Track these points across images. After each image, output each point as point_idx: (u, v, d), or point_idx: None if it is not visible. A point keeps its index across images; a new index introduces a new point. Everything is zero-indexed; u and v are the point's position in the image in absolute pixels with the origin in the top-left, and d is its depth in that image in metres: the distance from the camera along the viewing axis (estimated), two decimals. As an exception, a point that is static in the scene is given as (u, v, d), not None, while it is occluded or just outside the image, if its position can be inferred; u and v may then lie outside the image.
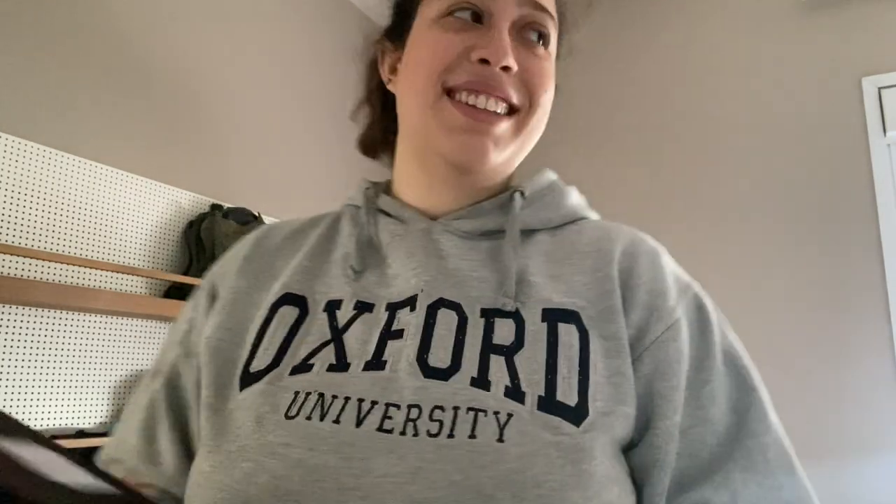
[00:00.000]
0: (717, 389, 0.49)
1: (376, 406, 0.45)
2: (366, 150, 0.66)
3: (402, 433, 0.43)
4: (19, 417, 1.28)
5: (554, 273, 0.53)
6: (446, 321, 0.50)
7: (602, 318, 0.50)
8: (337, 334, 0.51)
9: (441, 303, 0.51)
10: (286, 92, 2.11)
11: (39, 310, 1.32)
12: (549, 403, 0.45)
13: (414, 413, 0.45)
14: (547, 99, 0.56)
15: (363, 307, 0.53)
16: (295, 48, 2.17)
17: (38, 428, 1.31)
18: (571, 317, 0.50)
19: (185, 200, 1.68)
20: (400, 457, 0.42)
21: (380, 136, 0.65)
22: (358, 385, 0.47)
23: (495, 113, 0.52)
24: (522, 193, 0.57)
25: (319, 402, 0.47)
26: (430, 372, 0.47)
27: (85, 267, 1.32)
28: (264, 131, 2.00)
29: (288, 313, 0.54)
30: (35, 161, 1.35)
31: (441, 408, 0.45)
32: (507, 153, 0.55)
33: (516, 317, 0.50)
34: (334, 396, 0.47)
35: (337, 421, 0.45)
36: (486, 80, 0.52)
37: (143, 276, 1.49)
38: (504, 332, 0.49)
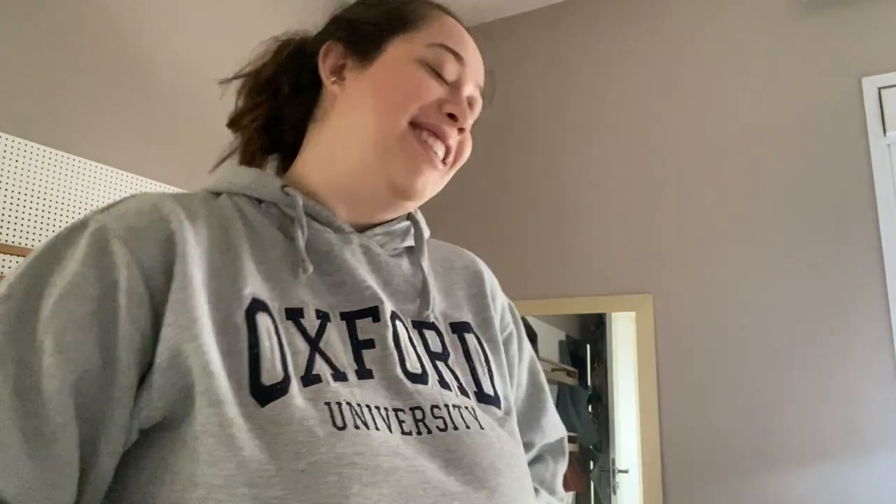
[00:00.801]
0: (524, 363, 0.71)
1: (393, 411, 0.50)
2: (239, 126, 0.67)
3: (419, 433, 0.50)
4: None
5: (441, 286, 0.64)
6: (403, 331, 0.56)
7: (483, 326, 0.64)
8: (314, 344, 0.51)
9: (394, 315, 0.56)
10: (286, 92, 2.11)
11: (39, 310, 1.33)
12: (482, 396, 0.58)
13: (419, 414, 0.51)
14: (468, 153, 0.64)
15: (323, 316, 0.53)
16: (295, 48, 2.17)
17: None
18: (468, 327, 0.63)
19: (185, 200, 1.68)
20: (429, 453, 0.49)
21: (273, 118, 0.66)
22: (366, 394, 0.50)
23: (440, 154, 0.60)
24: (421, 225, 0.65)
25: (352, 411, 0.47)
26: (412, 378, 0.53)
27: (85, 267, 1.32)
28: (264, 131, 2.00)
29: (264, 321, 0.50)
30: (35, 161, 1.35)
31: (437, 406, 0.52)
32: (434, 192, 0.62)
33: (435, 328, 0.59)
34: (358, 405, 0.48)
35: (378, 428, 0.47)
36: (446, 132, 0.59)
37: (142, 276, 1.49)
38: (434, 341, 0.58)
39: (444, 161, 0.60)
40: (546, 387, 0.73)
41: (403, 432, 0.48)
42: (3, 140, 1.30)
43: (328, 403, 0.47)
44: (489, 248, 2.40)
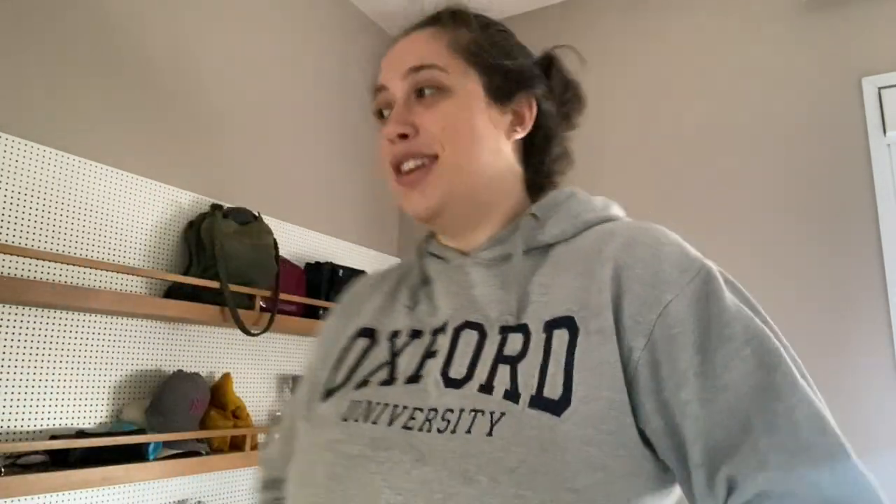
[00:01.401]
0: (730, 357, 0.51)
1: (406, 409, 0.58)
2: None
3: (420, 429, 0.55)
4: (20, 417, 1.28)
5: (559, 282, 0.59)
6: (467, 340, 0.61)
7: (591, 314, 0.55)
8: (392, 357, 0.65)
9: (465, 325, 0.62)
10: (287, 92, 2.11)
11: (39, 310, 1.32)
12: (538, 400, 0.52)
13: (431, 415, 0.56)
14: (462, 140, 0.63)
15: (415, 334, 0.66)
16: (296, 48, 2.17)
17: (37, 428, 1.31)
18: (566, 321, 0.56)
19: (185, 200, 1.68)
20: (412, 446, 0.54)
21: None
22: (397, 395, 0.60)
23: (412, 171, 0.63)
24: (535, 215, 0.65)
25: (367, 408, 0.60)
26: (449, 383, 0.58)
27: (85, 267, 1.32)
28: (265, 131, 2.00)
29: (361, 343, 0.69)
30: (35, 161, 1.35)
31: (451, 410, 0.55)
32: (439, 191, 0.63)
33: (524, 329, 0.58)
34: (377, 403, 0.60)
35: (375, 422, 0.58)
36: (395, 154, 0.64)
37: (143, 276, 1.49)
38: (515, 344, 0.57)
39: (409, 173, 0.64)
40: (771, 367, 0.53)
41: (405, 426, 0.56)
42: (3, 140, 1.30)
43: (355, 401, 0.62)
44: (489, 248, 2.40)
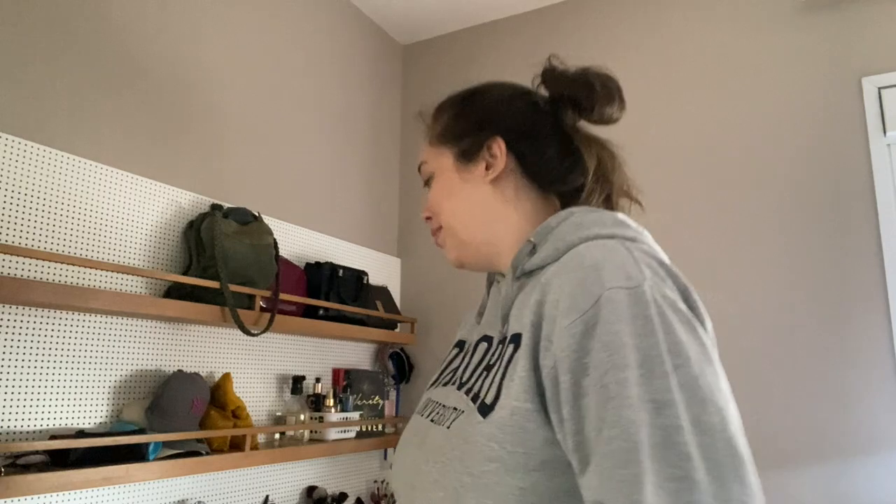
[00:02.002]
0: (590, 386, 0.56)
1: (438, 406, 0.74)
2: None
3: (435, 422, 0.71)
4: (20, 417, 1.28)
5: (522, 301, 0.69)
6: (481, 350, 0.75)
7: (530, 334, 0.63)
8: (461, 362, 0.79)
9: (482, 339, 0.77)
10: (287, 92, 2.11)
11: (39, 310, 1.32)
12: (482, 404, 0.65)
13: (439, 409, 0.73)
14: (446, 206, 0.81)
15: (477, 342, 0.79)
16: (296, 48, 2.17)
17: (37, 428, 1.31)
18: (517, 338, 0.65)
19: (185, 200, 1.68)
20: (424, 434, 0.72)
21: None
22: (440, 394, 0.77)
23: (437, 235, 0.84)
24: (532, 241, 0.72)
25: (426, 405, 0.78)
26: (460, 386, 0.73)
27: (85, 267, 1.32)
28: (265, 131, 2.00)
29: (454, 352, 0.86)
30: (35, 161, 1.35)
31: (445, 406, 0.72)
32: (452, 248, 0.82)
33: (504, 343, 0.69)
34: (431, 401, 0.78)
35: (423, 414, 0.76)
36: (432, 230, 0.85)
37: (143, 276, 1.49)
38: (495, 355, 0.70)
39: (438, 230, 0.83)
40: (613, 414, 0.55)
41: (426, 417, 0.75)
42: (3, 140, 1.30)
43: (426, 400, 0.80)
44: (489, 248, 2.40)
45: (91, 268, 1.34)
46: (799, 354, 1.86)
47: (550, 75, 0.81)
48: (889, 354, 1.75)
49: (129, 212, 1.53)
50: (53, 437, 1.25)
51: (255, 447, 1.63)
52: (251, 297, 1.64)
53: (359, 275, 2.10)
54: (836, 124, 1.92)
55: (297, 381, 1.91)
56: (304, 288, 1.90)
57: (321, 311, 1.91)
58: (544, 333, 0.61)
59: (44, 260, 1.25)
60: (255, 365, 1.85)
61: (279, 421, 1.87)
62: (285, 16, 2.14)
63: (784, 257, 1.92)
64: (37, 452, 1.21)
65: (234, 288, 1.56)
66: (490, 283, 0.85)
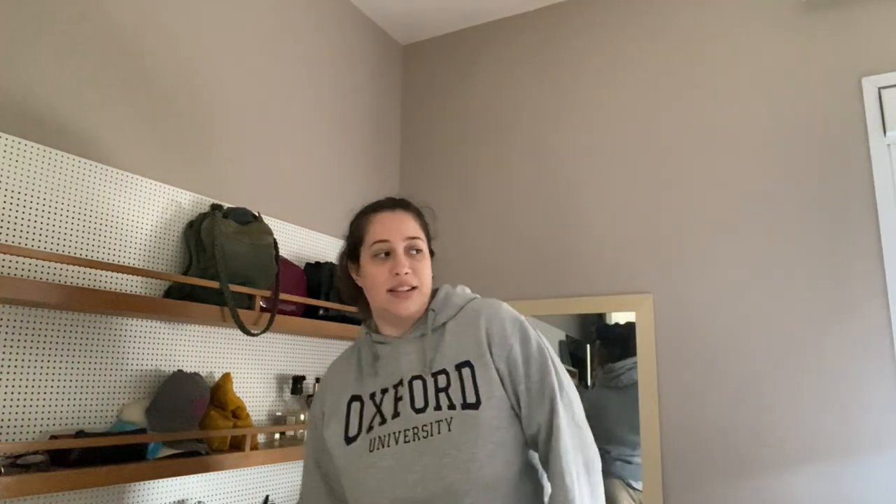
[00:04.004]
0: (534, 369, 1.09)
1: (402, 432, 1.08)
2: (348, 301, 1.28)
3: (414, 440, 1.06)
4: (20, 417, 1.28)
5: (456, 342, 1.13)
6: (417, 386, 1.11)
7: (480, 356, 1.10)
8: (377, 408, 1.13)
9: (413, 378, 1.12)
10: (287, 92, 2.11)
11: (39, 310, 1.32)
12: (466, 405, 1.06)
13: (416, 430, 1.07)
14: (426, 276, 1.18)
15: (384, 391, 1.15)
16: (296, 49, 2.17)
17: (38, 428, 1.31)
18: (467, 363, 1.10)
19: (185, 200, 1.68)
20: (414, 450, 1.06)
21: (356, 296, 1.25)
22: (392, 427, 1.10)
23: (405, 291, 1.15)
24: (434, 310, 1.18)
25: (380, 440, 1.09)
26: (417, 411, 1.08)
27: (85, 267, 1.32)
28: (265, 131, 2.00)
29: (355, 406, 1.17)
30: (35, 161, 1.35)
31: (426, 425, 1.07)
32: (417, 305, 1.16)
33: (444, 371, 1.11)
34: (385, 436, 1.09)
35: (389, 445, 1.08)
36: (399, 282, 1.14)
37: (143, 276, 1.49)
38: (442, 381, 1.10)
39: (412, 289, 1.15)
40: (549, 371, 1.10)
41: (405, 441, 1.07)
42: (3, 140, 1.30)
43: (371, 440, 1.10)
44: (491, 248, 2.40)
45: (91, 268, 1.34)
46: (799, 354, 1.86)
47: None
48: (889, 354, 1.75)
49: (129, 212, 1.53)
50: (53, 437, 1.25)
51: (255, 447, 1.63)
52: (251, 297, 1.64)
53: (359, 275, 2.10)
54: (836, 124, 1.92)
55: (297, 381, 1.91)
56: (304, 288, 1.90)
57: (321, 311, 1.91)
58: (495, 351, 1.10)
59: (44, 260, 1.25)
60: (255, 365, 1.85)
61: (279, 421, 1.87)
62: (285, 16, 2.14)
63: (783, 256, 1.92)
64: (37, 452, 1.20)
65: (234, 288, 1.56)
66: (370, 344, 1.21)
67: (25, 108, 1.35)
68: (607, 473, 2.01)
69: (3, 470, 1.12)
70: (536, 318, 2.26)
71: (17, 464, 1.17)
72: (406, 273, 1.13)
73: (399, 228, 1.16)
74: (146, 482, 1.49)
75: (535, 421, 1.06)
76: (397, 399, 1.11)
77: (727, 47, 2.12)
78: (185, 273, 1.59)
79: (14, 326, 1.28)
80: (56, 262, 1.25)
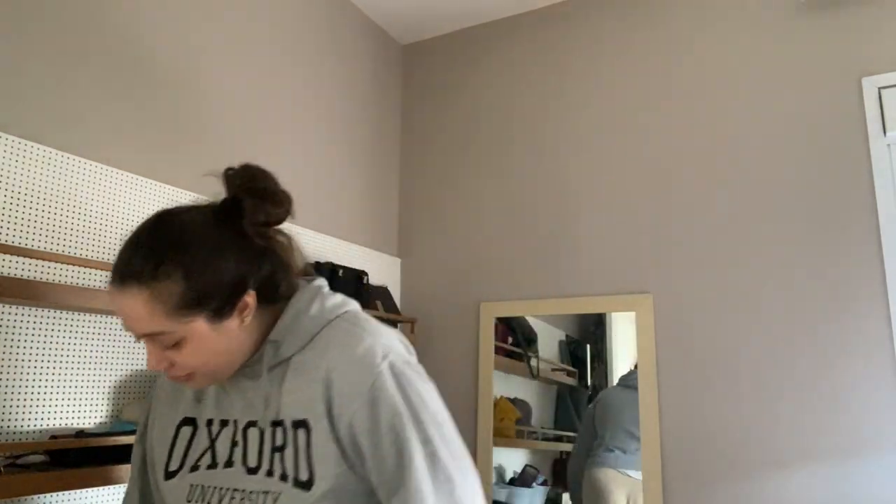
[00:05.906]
0: (385, 444, 0.80)
1: (228, 491, 0.86)
2: None
3: None
4: (20, 417, 1.28)
5: (293, 388, 0.85)
6: (253, 436, 0.87)
7: (318, 419, 0.83)
8: (212, 444, 0.90)
9: (249, 424, 0.88)
10: (286, 92, 2.11)
11: (39, 310, 1.32)
12: (297, 482, 0.82)
13: (243, 495, 0.84)
14: (201, 360, 0.85)
15: (223, 422, 0.91)
16: (296, 48, 2.17)
17: (38, 428, 1.31)
18: (303, 423, 0.83)
19: (185, 200, 1.68)
20: None
21: None
22: (220, 479, 0.87)
23: (182, 378, 0.88)
24: (275, 341, 0.88)
25: (202, 491, 0.88)
26: (249, 471, 0.85)
27: (85, 267, 1.32)
28: (264, 131, 2.00)
29: (186, 432, 0.94)
30: (35, 161, 1.35)
31: (253, 492, 0.84)
32: (209, 379, 0.88)
33: (282, 424, 0.85)
34: (209, 487, 0.88)
35: (210, 502, 0.87)
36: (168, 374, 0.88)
37: (143, 276, 1.49)
38: (279, 437, 0.84)
39: (190, 374, 0.86)
40: (406, 454, 0.80)
41: None
42: (3, 140, 1.30)
43: (192, 485, 0.89)
44: (490, 248, 2.40)
45: (91, 268, 1.34)
46: (799, 354, 1.86)
47: (247, 211, 0.96)
48: (889, 354, 1.75)
49: (129, 212, 1.53)
50: (53, 437, 1.25)
51: (255, 447, 1.62)
52: (251, 297, 1.63)
53: (359, 275, 2.10)
54: (836, 124, 1.92)
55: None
56: (304, 288, 1.90)
57: (321, 311, 1.90)
58: (336, 412, 0.82)
59: (44, 260, 1.25)
60: (255, 365, 1.84)
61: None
62: (285, 16, 2.14)
63: (783, 256, 1.92)
64: (37, 452, 1.20)
65: (234, 288, 1.55)
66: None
67: (25, 108, 1.35)
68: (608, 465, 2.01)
69: (2, 470, 1.12)
70: (536, 318, 2.26)
71: (17, 464, 1.17)
72: (165, 368, 0.85)
73: (128, 322, 0.81)
74: (146, 482, 1.49)
75: None
76: (234, 444, 0.87)
77: (727, 47, 2.12)
78: (185, 273, 1.59)
79: (14, 326, 1.28)
80: (56, 262, 1.25)
